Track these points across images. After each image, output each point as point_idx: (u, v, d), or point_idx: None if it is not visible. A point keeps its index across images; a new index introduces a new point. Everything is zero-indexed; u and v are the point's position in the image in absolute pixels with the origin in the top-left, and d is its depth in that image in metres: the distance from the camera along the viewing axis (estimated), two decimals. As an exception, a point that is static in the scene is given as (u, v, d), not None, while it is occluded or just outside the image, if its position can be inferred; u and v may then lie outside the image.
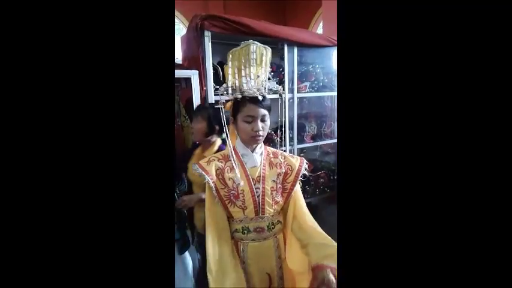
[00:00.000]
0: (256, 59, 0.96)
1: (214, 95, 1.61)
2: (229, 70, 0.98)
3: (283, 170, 1.04)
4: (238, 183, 0.98)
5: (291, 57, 2.03)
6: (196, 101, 1.53)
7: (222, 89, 1.00)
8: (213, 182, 0.97)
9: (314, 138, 2.14)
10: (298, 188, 1.06)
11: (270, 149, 1.09)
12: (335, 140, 2.22)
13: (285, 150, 2.22)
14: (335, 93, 2.21)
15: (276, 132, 2.02)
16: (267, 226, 1.00)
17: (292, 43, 1.97)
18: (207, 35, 1.54)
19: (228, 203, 0.99)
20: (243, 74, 0.96)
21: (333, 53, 2.24)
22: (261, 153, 1.04)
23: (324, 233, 0.98)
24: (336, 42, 2.02)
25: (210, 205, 1.00)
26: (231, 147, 1.03)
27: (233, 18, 1.58)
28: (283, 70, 2.03)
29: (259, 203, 0.99)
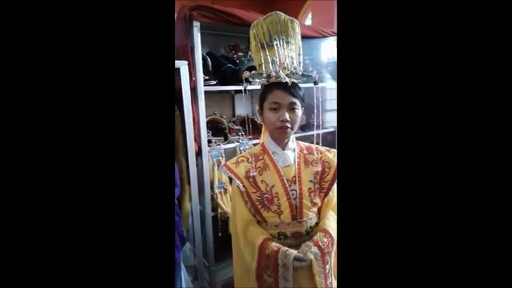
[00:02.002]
0: (282, 33, 0.84)
1: (204, 85, 1.61)
2: (252, 48, 0.88)
3: (320, 168, 0.93)
4: (272, 186, 0.88)
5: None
6: (186, 92, 1.53)
7: (247, 73, 0.89)
8: (243, 186, 0.89)
9: (303, 128, 2.17)
10: (335, 186, 0.95)
11: (304, 144, 0.99)
12: (324, 130, 2.25)
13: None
14: (324, 85, 2.24)
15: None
16: (305, 230, 0.91)
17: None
18: (196, 25, 1.53)
19: (261, 207, 0.89)
20: (268, 53, 0.85)
21: (322, 45, 2.27)
22: (294, 150, 0.94)
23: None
24: (324, 33, 2.04)
25: (241, 211, 0.90)
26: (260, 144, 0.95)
27: (222, 9, 1.58)
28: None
29: (296, 207, 0.89)
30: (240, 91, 1.86)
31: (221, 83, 1.73)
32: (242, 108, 2.19)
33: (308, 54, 2.16)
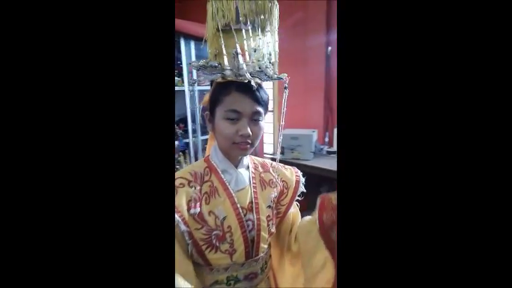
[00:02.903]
0: (256, 15, 0.63)
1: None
2: (208, 30, 0.65)
3: (278, 190, 0.76)
4: (224, 217, 0.65)
5: (188, 51, 2.12)
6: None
7: (195, 63, 0.63)
8: (185, 223, 0.62)
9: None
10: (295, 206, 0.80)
11: (257, 160, 0.79)
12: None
13: (188, 143, 2.24)
14: None
15: (178, 125, 2.22)
16: (261, 268, 0.72)
17: (189, 37, 2.08)
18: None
19: (207, 248, 0.65)
20: (227, 41, 0.62)
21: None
22: (248, 167, 0.74)
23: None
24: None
25: (178, 259, 0.62)
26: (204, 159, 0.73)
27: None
28: (181, 63, 2.12)
29: (252, 241, 0.69)
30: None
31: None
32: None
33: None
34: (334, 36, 2.40)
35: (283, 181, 0.78)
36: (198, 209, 0.64)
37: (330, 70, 2.48)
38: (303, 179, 0.80)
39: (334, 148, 2.45)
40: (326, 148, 2.48)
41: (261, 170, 0.76)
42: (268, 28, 0.66)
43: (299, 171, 0.82)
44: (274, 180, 0.76)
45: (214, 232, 0.65)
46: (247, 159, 0.75)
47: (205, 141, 2.26)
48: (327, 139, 2.57)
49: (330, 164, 2.12)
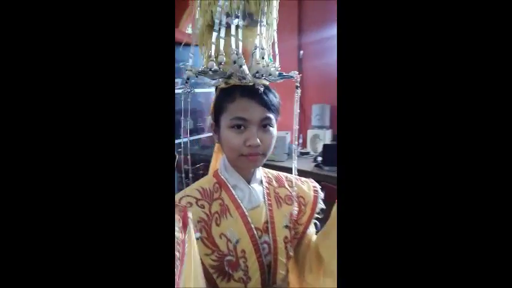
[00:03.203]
0: (252, 8, 0.54)
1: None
2: (198, 28, 0.58)
3: (297, 207, 0.67)
4: (237, 241, 0.58)
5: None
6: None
7: (193, 69, 0.55)
8: (190, 251, 0.53)
9: (191, 133, 2.16)
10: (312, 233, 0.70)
11: (271, 173, 0.71)
12: (211, 134, 2.30)
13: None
14: (207, 90, 2.28)
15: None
16: None
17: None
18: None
19: (218, 276, 0.57)
20: (223, 41, 0.53)
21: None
22: (261, 182, 0.66)
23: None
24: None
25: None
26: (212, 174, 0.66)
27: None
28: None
29: (268, 267, 0.61)
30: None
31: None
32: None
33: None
34: (306, 39, 2.45)
35: (300, 197, 0.68)
36: (199, 234, 0.56)
37: (303, 73, 2.53)
38: (321, 194, 0.70)
39: (308, 149, 2.50)
40: (299, 149, 2.53)
41: (275, 184, 0.68)
42: (265, 22, 0.55)
43: (316, 184, 0.72)
44: (290, 196, 0.67)
45: (227, 258, 0.57)
46: (260, 173, 0.67)
47: (178, 145, 2.22)
48: (301, 140, 2.61)
49: (303, 164, 2.16)
